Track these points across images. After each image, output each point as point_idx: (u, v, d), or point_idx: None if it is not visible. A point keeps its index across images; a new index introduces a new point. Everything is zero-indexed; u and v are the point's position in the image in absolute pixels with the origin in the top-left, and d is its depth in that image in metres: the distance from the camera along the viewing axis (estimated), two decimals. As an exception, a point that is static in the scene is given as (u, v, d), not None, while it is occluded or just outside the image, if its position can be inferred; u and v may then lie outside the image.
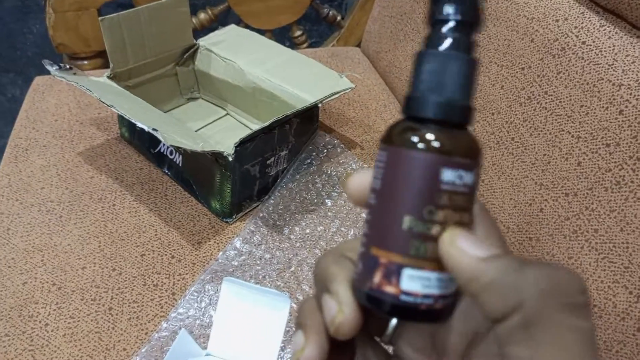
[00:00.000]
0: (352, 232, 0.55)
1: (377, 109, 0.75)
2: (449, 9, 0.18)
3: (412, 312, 0.19)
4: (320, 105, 0.59)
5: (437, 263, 0.19)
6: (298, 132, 0.59)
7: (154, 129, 0.44)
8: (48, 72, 0.57)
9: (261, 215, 0.56)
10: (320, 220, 0.56)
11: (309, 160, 0.62)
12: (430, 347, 0.22)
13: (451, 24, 0.18)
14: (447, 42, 0.18)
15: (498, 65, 0.59)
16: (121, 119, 0.64)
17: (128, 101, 0.54)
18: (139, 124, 0.45)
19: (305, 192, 0.59)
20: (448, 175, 0.18)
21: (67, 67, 0.56)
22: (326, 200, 0.58)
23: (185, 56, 0.67)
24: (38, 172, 0.59)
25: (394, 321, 0.22)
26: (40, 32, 1.51)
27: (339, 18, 0.97)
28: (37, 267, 0.50)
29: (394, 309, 0.19)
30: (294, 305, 0.45)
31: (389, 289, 0.18)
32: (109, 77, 0.59)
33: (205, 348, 0.35)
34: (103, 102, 0.49)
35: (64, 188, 0.58)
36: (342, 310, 0.19)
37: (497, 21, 0.60)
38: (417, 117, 0.19)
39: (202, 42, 0.68)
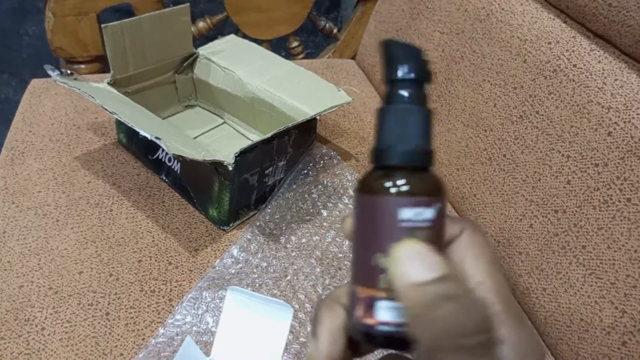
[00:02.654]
0: (347, 243, 0.56)
1: (371, 121, 0.77)
2: (401, 70, 0.21)
3: (390, 341, 0.20)
4: (318, 117, 0.60)
5: None
6: (296, 143, 0.60)
7: (157, 137, 0.45)
8: (44, 75, 0.58)
9: (258, 223, 0.56)
10: (316, 230, 0.57)
11: (305, 171, 0.63)
12: None
13: (404, 82, 0.21)
14: (403, 98, 0.21)
15: (491, 84, 0.61)
16: (119, 125, 0.65)
17: (129, 108, 0.55)
18: (142, 132, 0.46)
19: (302, 202, 0.60)
20: (405, 213, 0.20)
21: (69, 72, 0.56)
22: (322, 211, 0.59)
23: (184, 64, 0.68)
24: (35, 175, 0.60)
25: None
26: (37, 34, 1.50)
27: (335, 30, 0.98)
28: (33, 270, 0.50)
29: (372, 338, 0.21)
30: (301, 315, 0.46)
31: (368, 321, 0.20)
32: (109, 83, 0.60)
33: (207, 355, 0.36)
34: (105, 109, 0.50)
35: (60, 192, 0.58)
36: (316, 349, 0.21)
37: (491, 41, 0.62)
38: (379, 166, 0.21)
39: (202, 51, 0.69)
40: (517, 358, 0.19)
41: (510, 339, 0.19)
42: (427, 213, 0.20)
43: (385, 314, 0.20)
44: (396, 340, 0.20)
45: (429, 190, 0.21)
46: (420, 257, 0.19)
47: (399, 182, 0.20)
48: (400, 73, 0.21)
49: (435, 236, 0.20)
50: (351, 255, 0.22)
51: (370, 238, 0.20)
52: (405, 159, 0.21)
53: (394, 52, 0.21)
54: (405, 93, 0.21)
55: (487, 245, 0.22)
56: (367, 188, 0.21)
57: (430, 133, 0.21)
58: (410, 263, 0.19)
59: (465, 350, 0.17)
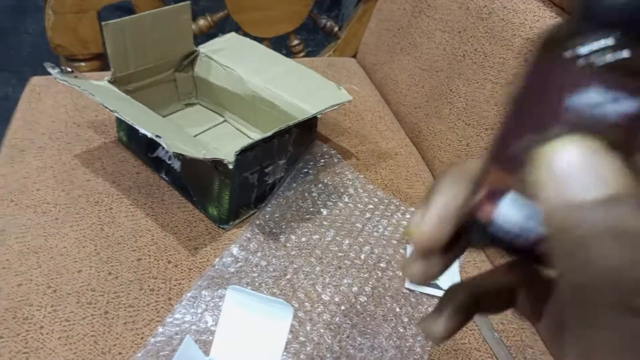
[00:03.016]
0: (347, 242, 0.56)
1: (372, 120, 0.76)
2: None
3: (505, 242, 0.17)
4: (318, 116, 0.60)
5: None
6: (297, 142, 0.59)
7: (157, 136, 0.45)
8: (43, 72, 0.57)
9: (258, 222, 0.56)
10: (315, 229, 0.56)
11: (306, 170, 0.63)
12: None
13: None
14: None
15: (493, 83, 0.61)
16: (119, 123, 0.64)
17: (130, 106, 0.55)
18: (143, 130, 0.46)
19: (302, 201, 0.59)
20: (594, 96, 0.14)
21: (69, 70, 0.56)
22: (322, 210, 0.59)
23: (185, 62, 0.68)
24: (34, 173, 0.59)
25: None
26: (37, 32, 1.50)
27: (336, 29, 0.98)
28: (32, 269, 0.49)
29: (482, 233, 0.17)
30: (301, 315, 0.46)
31: (487, 210, 0.17)
32: (109, 81, 0.60)
33: (206, 354, 0.36)
34: (106, 107, 0.49)
35: (60, 190, 0.58)
36: (423, 222, 0.18)
37: (493, 39, 0.61)
38: (586, 16, 0.15)
39: (202, 49, 0.69)
40: None
41: None
42: (626, 105, 0.14)
43: (511, 211, 0.16)
44: (517, 246, 0.16)
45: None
46: (591, 165, 0.13)
47: (606, 49, 0.14)
48: None
49: (629, 142, 0.14)
50: (500, 123, 0.17)
51: (531, 110, 0.15)
52: (626, 14, 0.14)
53: None
54: None
55: None
56: (556, 42, 0.15)
57: None
58: (571, 170, 0.13)
59: (637, 312, 0.12)
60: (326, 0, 1.52)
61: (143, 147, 0.61)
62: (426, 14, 0.74)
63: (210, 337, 0.44)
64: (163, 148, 0.58)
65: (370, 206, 0.60)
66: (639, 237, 0.12)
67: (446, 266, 0.20)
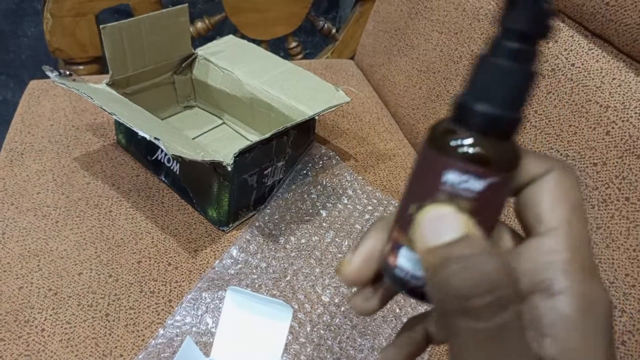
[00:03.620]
0: (346, 243, 0.56)
1: (370, 121, 0.77)
2: (522, 20, 0.18)
3: (402, 286, 0.21)
4: (317, 117, 0.60)
5: None
6: (295, 144, 0.60)
7: (155, 138, 0.45)
8: (42, 76, 0.58)
9: (257, 224, 0.56)
10: (315, 231, 0.57)
11: (304, 171, 0.63)
12: None
13: (514, 34, 0.19)
14: (513, 53, 0.19)
15: (490, 83, 0.61)
16: (118, 126, 0.65)
17: (128, 109, 0.55)
18: (141, 133, 0.46)
19: (301, 203, 0.60)
20: (450, 177, 0.19)
21: (67, 73, 0.56)
22: (321, 211, 0.59)
23: (183, 65, 0.68)
24: (34, 176, 0.60)
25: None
26: (35, 36, 1.50)
27: (333, 31, 0.98)
28: (33, 272, 0.50)
29: (390, 277, 0.21)
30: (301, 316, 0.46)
31: (391, 261, 0.21)
32: (107, 84, 0.60)
33: (206, 355, 0.36)
34: (104, 110, 0.50)
35: (59, 193, 0.58)
36: (349, 261, 0.22)
37: (489, 40, 0.62)
38: (454, 118, 0.20)
39: (200, 51, 0.69)
40: (580, 310, 0.19)
41: (572, 290, 0.19)
42: (476, 184, 0.19)
43: (405, 261, 0.20)
44: (409, 289, 0.21)
45: (491, 161, 0.19)
46: (442, 221, 0.18)
47: (459, 142, 0.19)
48: (512, 22, 0.18)
49: (480, 209, 0.19)
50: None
51: (414, 185, 0.20)
52: (477, 121, 0.19)
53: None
54: (512, 46, 0.18)
55: (574, 189, 0.20)
56: (430, 135, 0.20)
57: (525, 99, 0.19)
58: (431, 225, 0.19)
59: (473, 312, 0.17)
60: (324, 2, 1.53)
61: (142, 150, 0.61)
62: (423, 16, 0.74)
63: (211, 339, 0.44)
64: (162, 150, 0.58)
65: (370, 207, 0.61)
66: (473, 258, 0.17)
67: (382, 303, 0.24)
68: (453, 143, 0.19)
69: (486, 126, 0.19)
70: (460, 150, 0.19)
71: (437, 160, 0.19)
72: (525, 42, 0.18)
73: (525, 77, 0.19)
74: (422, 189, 0.20)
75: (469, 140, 0.19)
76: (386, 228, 0.22)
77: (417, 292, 0.21)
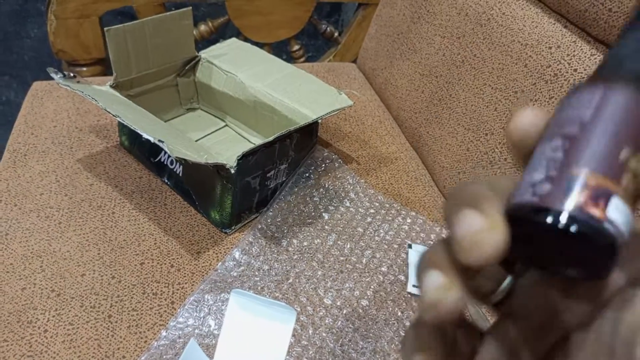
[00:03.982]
0: (348, 246, 0.56)
1: (372, 124, 0.77)
2: None
3: (609, 246, 0.17)
4: (319, 121, 0.60)
5: (632, 202, 0.18)
6: (298, 147, 0.60)
7: (160, 140, 0.45)
8: (45, 77, 0.58)
9: (260, 226, 0.57)
10: (317, 233, 0.57)
11: (307, 174, 0.63)
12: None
13: None
14: None
15: (492, 88, 0.61)
16: (121, 127, 0.65)
17: (132, 111, 0.55)
18: (145, 135, 0.46)
19: (303, 205, 0.60)
20: None
21: (71, 75, 0.56)
22: (323, 214, 0.59)
23: (186, 67, 0.68)
24: (37, 177, 0.60)
25: (508, 279, 0.21)
26: (38, 37, 1.51)
27: (336, 34, 0.98)
28: (36, 273, 0.50)
29: (596, 233, 0.17)
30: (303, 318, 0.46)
31: (594, 211, 0.17)
32: (111, 86, 0.60)
33: (210, 357, 0.36)
34: (108, 112, 0.50)
35: (63, 194, 0.58)
36: (494, 225, 0.16)
37: (492, 45, 0.62)
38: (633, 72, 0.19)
39: (204, 54, 0.69)
40: None
41: None
42: None
43: (618, 214, 0.17)
44: (613, 248, 0.17)
45: None
46: None
47: None
48: None
49: None
50: (558, 142, 0.18)
51: (617, 130, 0.18)
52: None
53: None
54: None
55: None
56: (619, 82, 0.18)
57: None
58: None
59: None
60: (326, 6, 1.53)
61: (145, 152, 0.61)
62: (425, 20, 0.74)
63: (213, 341, 0.44)
64: (165, 152, 0.58)
65: (372, 210, 0.61)
66: None
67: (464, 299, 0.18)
68: None
69: None
70: None
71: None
72: None
73: None
74: (635, 132, 0.18)
75: None
76: (495, 190, 0.18)
77: (615, 255, 0.17)
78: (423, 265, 0.18)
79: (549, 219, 0.17)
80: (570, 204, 0.17)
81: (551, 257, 0.18)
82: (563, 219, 0.17)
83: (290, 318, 0.30)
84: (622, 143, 0.18)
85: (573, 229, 0.17)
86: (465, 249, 0.16)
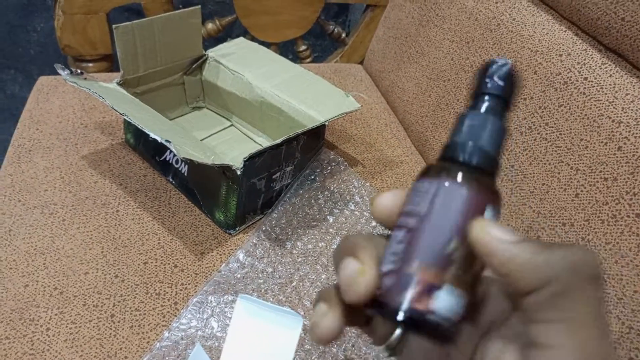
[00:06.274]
0: (352, 250, 0.56)
1: (378, 127, 0.77)
2: (490, 85, 0.23)
3: (433, 332, 0.20)
4: (326, 123, 0.60)
5: (467, 285, 0.21)
6: (304, 149, 0.60)
7: (167, 141, 0.45)
8: (50, 72, 0.57)
9: (264, 228, 0.56)
10: (321, 237, 0.56)
11: (312, 177, 0.63)
12: (437, 354, 0.24)
13: (491, 96, 0.23)
14: (486, 107, 0.23)
15: (501, 94, 0.61)
16: (127, 125, 0.65)
17: (138, 110, 0.55)
18: (152, 135, 0.46)
19: (308, 208, 0.59)
20: (489, 212, 0.21)
21: (79, 72, 0.56)
22: (328, 217, 0.59)
23: (193, 66, 0.68)
24: (41, 173, 0.59)
25: (397, 331, 0.23)
26: (45, 31, 1.50)
27: (343, 35, 0.98)
28: (39, 270, 0.50)
29: (413, 324, 0.20)
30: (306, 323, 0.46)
31: (418, 306, 0.20)
32: (118, 84, 0.60)
33: (212, 361, 0.36)
34: (116, 110, 0.49)
35: (67, 191, 0.58)
36: (364, 271, 0.21)
37: (502, 51, 0.62)
38: (455, 160, 0.22)
39: (211, 53, 0.69)
40: None
41: None
42: (498, 214, 0.22)
43: (443, 303, 0.20)
44: (441, 332, 0.20)
45: (499, 194, 0.22)
46: (501, 228, 0.20)
47: (485, 181, 0.22)
48: (489, 87, 0.23)
49: None
50: (400, 234, 0.22)
51: (445, 224, 0.21)
52: (487, 162, 0.22)
53: (489, 68, 0.23)
54: (490, 105, 0.23)
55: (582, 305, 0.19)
56: (450, 174, 0.22)
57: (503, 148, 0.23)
58: (498, 230, 0.20)
59: (596, 278, 0.19)
60: (334, 6, 1.53)
61: (150, 150, 0.61)
62: (434, 24, 0.74)
63: (216, 343, 0.44)
64: (170, 152, 0.58)
65: (376, 214, 0.61)
66: (549, 249, 0.20)
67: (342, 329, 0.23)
68: (484, 181, 0.22)
69: (492, 165, 0.23)
70: (491, 187, 0.22)
71: (475, 196, 0.21)
72: (500, 104, 0.23)
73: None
74: (458, 223, 0.21)
75: (489, 177, 0.22)
76: (373, 254, 0.22)
77: (448, 335, 0.21)
78: (317, 297, 0.23)
79: (388, 314, 0.21)
80: (401, 301, 0.20)
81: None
82: (398, 315, 0.20)
83: (297, 325, 0.30)
84: (451, 235, 0.21)
85: (405, 321, 0.20)
86: (344, 289, 0.21)
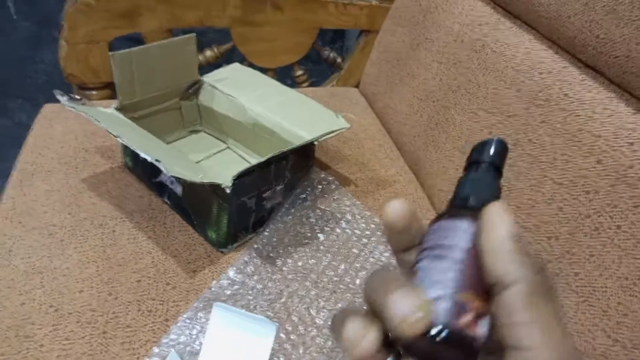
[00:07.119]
0: (342, 267, 0.57)
1: (372, 148, 0.78)
2: (487, 154, 0.27)
3: (474, 352, 0.22)
4: (316, 142, 0.62)
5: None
6: (294, 168, 0.61)
7: (156, 160, 0.47)
8: (56, 100, 0.60)
9: (255, 246, 0.57)
10: (312, 254, 0.57)
11: (303, 195, 0.64)
12: None
13: (486, 164, 0.27)
14: (486, 169, 0.27)
15: (486, 112, 0.62)
16: (125, 149, 0.67)
17: (133, 132, 0.57)
18: (143, 154, 0.48)
19: (299, 226, 0.61)
20: None
21: (77, 97, 0.59)
22: (319, 235, 0.60)
23: (189, 91, 0.71)
24: (42, 196, 0.62)
25: (390, 357, 0.24)
26: (52, 61, 1.56)
27: (339, 60, 1.01)
28: (36, 288, 0.51)
29: (468, 346, 0.22)
30: (282, 335, 0.47)
31: (470, 331, 0.22)
32: (116, 109, 0.62)
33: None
34: (110, 133, 0.52)
35: (66, 213, 0.60)
36: (420, 309, 0.22)
37: (486, 71, 0.63)
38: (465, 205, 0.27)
39: (207, 78, 0.71)
40: None
41: None
42: None
43: (484, 329, 0.22)
44: (473, 353, 0.22)
45: None
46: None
47: None
48: (484, 157, 0.27)
49: None
50: (439, 263, 0.24)
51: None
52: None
53: (484, 144, 0.28)
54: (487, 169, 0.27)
55: (539, 304, 0.22)
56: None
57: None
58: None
59: (554, 292, 0.22)
60: (329, 32, 1.56)
61: (147, 172, 0.63)
62: (424, 47, 0.76)
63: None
64: (166, 173, 0.60)
65: (367, 232, 0.62)
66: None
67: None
68: None
69: None
70: None
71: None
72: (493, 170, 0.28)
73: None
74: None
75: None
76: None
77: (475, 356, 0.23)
78: (342, 319, 0.24)
79: (443, 334, 0.22)
80: (457, 324, 0.22)
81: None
82: (443, 335, 0.22)
83: (270, 332, 0.31)
84: (480, 269, 0.23)
85: (456, 343, 0.22)
86: (404, 328, 0.22)
